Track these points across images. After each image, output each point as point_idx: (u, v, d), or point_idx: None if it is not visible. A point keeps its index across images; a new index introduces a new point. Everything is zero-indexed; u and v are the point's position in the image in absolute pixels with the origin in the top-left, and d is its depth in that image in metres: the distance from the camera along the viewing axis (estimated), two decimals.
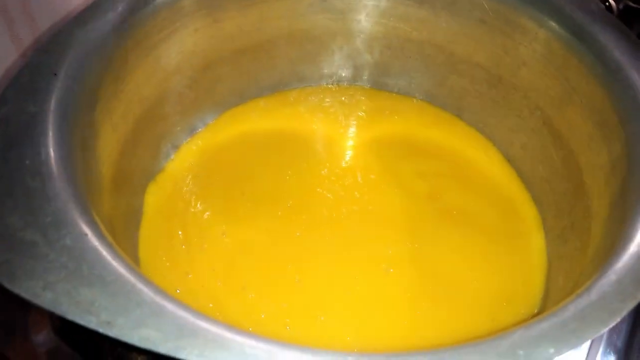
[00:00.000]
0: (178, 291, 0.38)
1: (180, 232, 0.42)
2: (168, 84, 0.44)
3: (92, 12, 0.37)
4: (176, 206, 0.43)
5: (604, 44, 0.39)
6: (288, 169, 0.47)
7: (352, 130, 0.51)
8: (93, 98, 0.35)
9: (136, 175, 0.43)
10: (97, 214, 0.30)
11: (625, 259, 0.28)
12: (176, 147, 0.47)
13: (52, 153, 0.29)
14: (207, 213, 0.43)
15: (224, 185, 0.45)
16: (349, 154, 0.49)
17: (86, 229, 0.27)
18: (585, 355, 0.38)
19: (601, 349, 0.39)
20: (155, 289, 0.25)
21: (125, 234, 0.39)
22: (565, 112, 0.42)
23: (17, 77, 0.32)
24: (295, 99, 0.53)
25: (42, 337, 0.36)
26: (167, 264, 0.40)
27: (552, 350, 0.24)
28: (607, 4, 0.46)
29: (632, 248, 0.29)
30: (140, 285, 0.25)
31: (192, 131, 0.48)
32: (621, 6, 0.48)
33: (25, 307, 0.24)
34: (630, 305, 0.26)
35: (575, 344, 0.25)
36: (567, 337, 0.25)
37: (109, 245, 0.27)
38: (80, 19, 0.36)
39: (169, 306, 0.24)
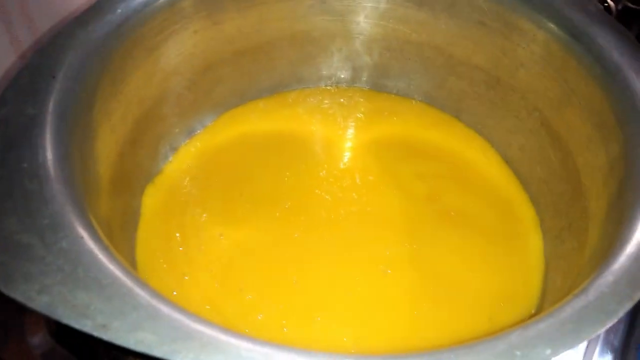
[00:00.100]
0: (175, 293, 0.38)
1: (177, 234, 0.42)
2: (167, 86, 0.44)
3: (91, 13, 0.37)
4: (174, 208, 0.43)
5: (603, 45, 0.38)
6: (287, 170, 0.47)
7: (350, 131, 0.51)
8: (92, 99, 0.35)
9: (134, 176, 0.43)
10: (95, 216, 0.30)
11: (622, 259, 0.28)
12: (174, 149, 0.47)
13: (49, 155, 0.29)
14: (205, 215, 0.43)
15: (222, 186, 0.45)
16: (347, 155, 0.49)
17: (83, 232, 0.27)
18: (582, 354, 0.38)
19: (598, 348, 0.39)
20: (151, 292, 0.25)
21: (122, 236, 0.39)
22: (563, 114, 0.42)
23: (17, 79, 0.32)
24: (294, 100, 0.53)
25: (38, 339, 0.36)
26: (165, 265, 0.40)
27: (549, 351, 0.24)
28: (605, 5, 0.46)
29: (629, 249, 0.29)
30: (136, 289, 0.25)
31: (190, 133, 0.48)
32: (620, 7, 0.48)
33: (21, 309, 0.24)
34: (627, 306, 0.26)
35: (572, 345, 0.25)
36: (564, 338, 0.25)
37: (105, 248, 0.27)
38: (80, 20, 0.36)
39: (165, 309, 0.24)
